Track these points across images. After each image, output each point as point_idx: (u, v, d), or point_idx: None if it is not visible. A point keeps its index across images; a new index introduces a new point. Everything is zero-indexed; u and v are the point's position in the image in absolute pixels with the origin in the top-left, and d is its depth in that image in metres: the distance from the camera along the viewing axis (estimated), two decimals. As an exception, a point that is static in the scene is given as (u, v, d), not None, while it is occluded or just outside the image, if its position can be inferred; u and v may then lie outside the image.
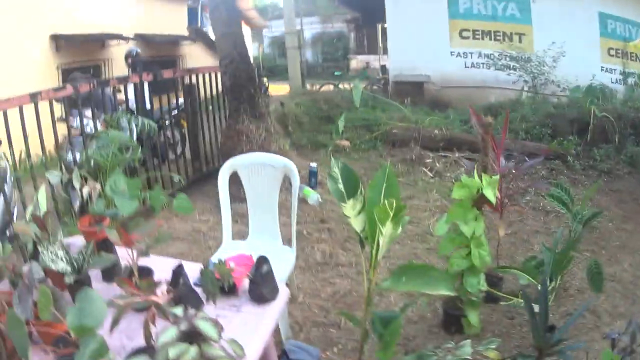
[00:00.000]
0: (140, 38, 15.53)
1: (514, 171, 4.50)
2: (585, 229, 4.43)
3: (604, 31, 11.52)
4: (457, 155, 8.16)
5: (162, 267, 2.45)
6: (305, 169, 6.78)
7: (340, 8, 29.14)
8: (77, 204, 5.36)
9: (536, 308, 3.08)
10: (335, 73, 21.12)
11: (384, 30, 18.48)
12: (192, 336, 1.63)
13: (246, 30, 23.34)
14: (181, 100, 8.12)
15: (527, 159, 5.86)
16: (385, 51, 17.63)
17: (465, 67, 12.28)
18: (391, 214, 2.52)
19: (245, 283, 2.45)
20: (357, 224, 2.77)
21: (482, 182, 3.56)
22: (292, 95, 12.59)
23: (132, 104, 6.81)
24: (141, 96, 6.85)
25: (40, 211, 2.61)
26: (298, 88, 14.51)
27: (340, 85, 15.85)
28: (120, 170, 4.91)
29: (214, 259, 2.79)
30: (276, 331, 3.39)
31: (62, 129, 5.68)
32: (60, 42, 12.79)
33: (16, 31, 11.44)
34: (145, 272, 2.39)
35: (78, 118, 5.86)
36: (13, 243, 4.29)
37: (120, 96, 7.40)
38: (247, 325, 2.22)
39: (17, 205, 5.17)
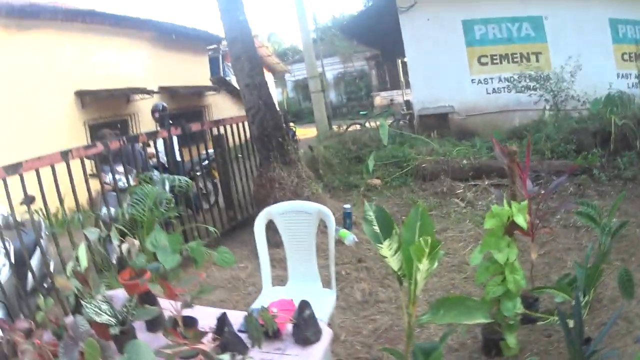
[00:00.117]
0: (164, 91, 15.79)
1: (542, 192, 4.52)
2: (613, 240, 4.39)
3: (616, 37, 11.51)
4: (486, 183, 8.10)
5: (205, 315, 2.46)
6: (339, 211, 6.76)
7: (359, 46, 29.41)
8: (114, 258, 5.40)
9: (571, 323, 3.11)
10: (361, 112, 21.24)
11: (404, 65, 18.59)
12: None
13: (269, 77, 23.70)
14: (210, 150, 8.20)
15: (554, 177, 5.85)
16: (407, 85, 17.69)
17: (487, 93, 12.23)
18: (427, 251, 2.58)
19: (288, 327, 2.46)
20: (394, 263, 2.85)
21: (511, 209, 3.56)
22: (320, 138, 12.65)
23: (163, 157, 6.90)
24: (171, 149, 6.94)
25: (81, 267, 2.66)
26: (325, 130, 14.57)
27: (367, 124, 15.92)
28: (157, 224, 4.95)
29: (256, 305, 2.80)
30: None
31: (94, 184, 5.77)
32: (85, 98, 13.08)
33: (41, 88, 11.74)
34: (190, 322, 2.39)
35: (110, 174, 5.96)
36: (52, 296, 4.34)
37: (150, 150, 7.51)
38: (293, 367, 2.22)
39: (55, 258, 5.25)
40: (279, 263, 5.15)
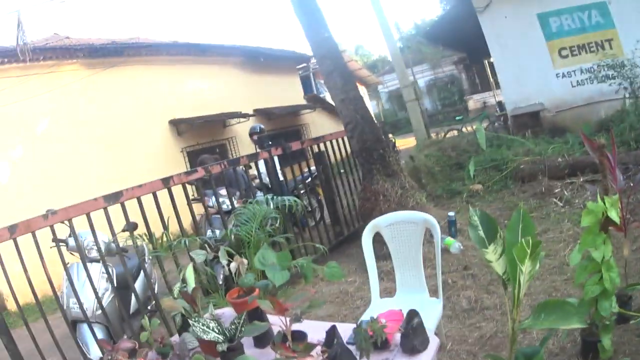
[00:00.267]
0: (260, 113, 16.10)
1: (631, 184, 4.36)
2: None
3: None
4: (581, 179, 7.80)
5: (314, 329, 2.48)
6: (443, 219, 6.67)
7: (445, 51, 29.16)
8: (220, 277, 5.51)
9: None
10: (456, 118, 21.03)
11: (491, 65, 18.23)
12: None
13: (362, 90, 23.78)
14: (312, 167, 8.29)
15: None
16: (497, 86, 17.35)
17: (572, 86, 11.73)
18: (528, 252, 2.63)
19: (396, 337, 2.45)
20: (499, 267, 2.89)
21: (605, 204, 3.43)
22: (420, 147, 12.55)
23: (265, 177, 7.01)
24: (273, 169, 7.06)
25: (188, 287, 2.75)
26: (423, 138, 14.44)
27: (463, 129, 15.71)
28: (265, 244, 5.02)
29: (365, 317, 2.80)
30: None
31: (197, 208, 5.91)
32: (180, 126, 13.55)
33: (136, 121, 12.33)
34: (299, 336, 2.41)
35: (213, 197, 6.11)
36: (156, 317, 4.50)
37: (252, 171, 7.64)
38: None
39: (158, 281, 5.42)
40: (386, 275, 5.12)
